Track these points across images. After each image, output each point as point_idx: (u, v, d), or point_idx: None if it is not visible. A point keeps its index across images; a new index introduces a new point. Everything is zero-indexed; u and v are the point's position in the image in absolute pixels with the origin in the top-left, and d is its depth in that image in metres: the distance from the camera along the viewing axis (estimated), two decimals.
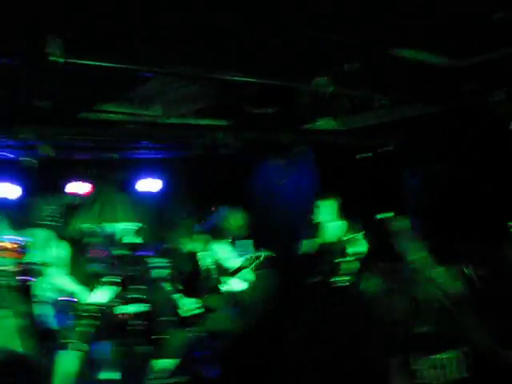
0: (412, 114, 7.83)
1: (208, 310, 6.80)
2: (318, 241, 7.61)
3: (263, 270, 10.33)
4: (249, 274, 6.79)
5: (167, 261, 7.18)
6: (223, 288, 6.67)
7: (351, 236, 7.52)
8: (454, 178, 9.20)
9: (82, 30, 3.83)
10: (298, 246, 7.63)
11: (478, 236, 7.62)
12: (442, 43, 4.98)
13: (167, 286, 6.85)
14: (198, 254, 6.91)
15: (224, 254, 7.23)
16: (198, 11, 3.71)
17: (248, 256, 8.35)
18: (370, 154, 9.26)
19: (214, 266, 6.92)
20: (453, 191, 9.30)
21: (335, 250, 7.74)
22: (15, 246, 8.87)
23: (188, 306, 6.60)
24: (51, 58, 3.76)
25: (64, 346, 7.06)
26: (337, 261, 7.43)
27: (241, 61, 4.97)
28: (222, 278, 6.91)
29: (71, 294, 6.95)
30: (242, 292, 6.80)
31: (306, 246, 7.56)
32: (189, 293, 6.75)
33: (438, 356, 3.81)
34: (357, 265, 7.23)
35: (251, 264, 6.94)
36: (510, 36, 4.81)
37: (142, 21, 3.81)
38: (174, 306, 6.73)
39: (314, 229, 7.59)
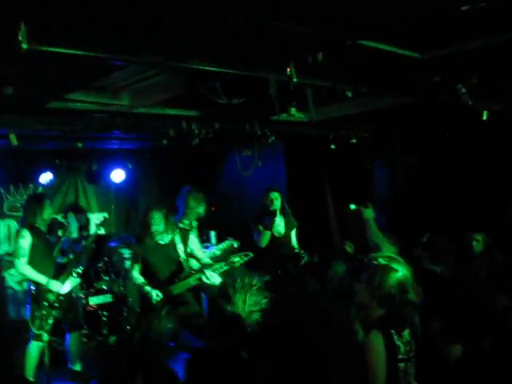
0: (382, 106, 7.86)
1: (177, 300, 6.75)
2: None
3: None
4: (222, 268, 6.74)
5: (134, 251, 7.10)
6: (205, 280, 6.61)
7: None
8: (425, 169, 9.30)
9: (49, 16, 3.77)
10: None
11: (444, 229, 7.72)
12: (411, 35, 5.01)
13: (138, 277, 6.77)
14: (170, 244, 6.83)
15: (195, 245, 7.18)
16: (170, 4, 3.69)
17: (218, 249, 8.32)
18: (334, 146, 9.30)
19: (185, 257, 6.85)
20: (423, 183, 9.41)
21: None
22: None
23: (157, 296, 6.54)
24: (22, 45, 3.69)
25: (29, 337, 7.01)
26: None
27: (209, 50, 4.94)
28: (197, 270, 6.83)
29: (37, 285, 6.87)
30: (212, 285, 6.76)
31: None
32: (158, 283, 6.69)
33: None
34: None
35: (241, 259, 6.88)
36: (478, 28, 4.85)
37: (111, 8, 3.76)
38: (144, 296, 6.67)
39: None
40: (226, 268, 6.76)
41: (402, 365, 3.92)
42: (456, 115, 7.64)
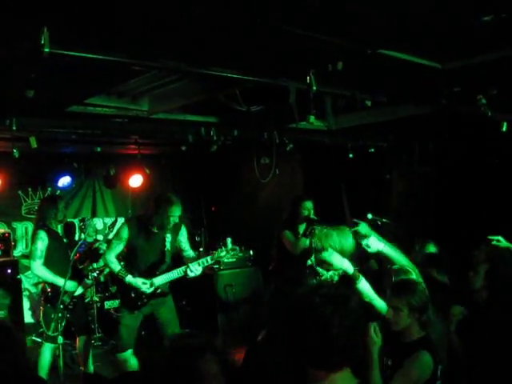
0: (400, 116, 7.84)
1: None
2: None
3: (246, 269, 10.38)
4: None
5: None
6: (189, 274, 6.44)
7: None
8: (442, 180, 9.25)
9: (71, 21, 3.81)
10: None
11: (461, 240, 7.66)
12: (431, 45, 5.00)
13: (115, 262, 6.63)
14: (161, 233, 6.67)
15: (183, 237, 6.96)
16: (190, 7, 3.70)
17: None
18: (352, 155, 9.29)
19: (169, 249, 6.65)
20: (440, 194, 9.34)
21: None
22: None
23: (144, 284, 6.41)
24: (43, 50, 3.73)
25: (43, 339, 7.04)
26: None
27: (229, 58, 4.96)
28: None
29: (53, 287, 6.90)
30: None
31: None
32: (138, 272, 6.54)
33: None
34: None
35: (228, 254, 6.78)
36: (498, 39, 4.83)
37: (132, 14, 3.78)
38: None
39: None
40: (211, 262, 6.65)
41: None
42: (475, 126, 7.61)
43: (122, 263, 6.76)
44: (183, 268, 6.43)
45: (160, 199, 6.49)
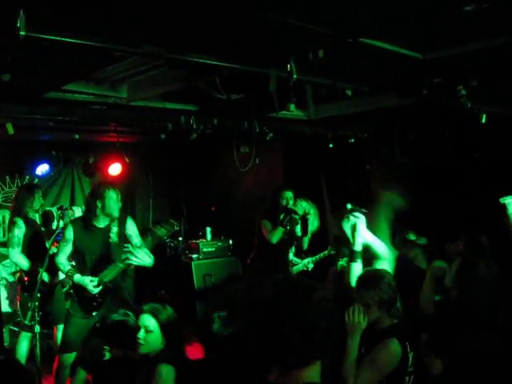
0: (380, 106, 7.84)
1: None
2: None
3: (225, 258, 10.37)
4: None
5: None
6: (134, 261, 6.22)
7: None
8: (422, 171, 9.26)
9: (48, 4, 3.74)
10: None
11: (438, 232, 7.70)
12: (413, 35, 4.98)
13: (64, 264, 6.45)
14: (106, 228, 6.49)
15: (133, 229, 6.77)
16: None
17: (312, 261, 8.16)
18: (332, 145, 9.29)
19: (117, 241, 6.47)
20: (420, 184, 9.36)
21: None
22: None
23: (92, 282, 6.25)
24: (19, 33, 3.66)
25: (20, 328, 6.99)
26: None
27: (208, 45, 4.91)
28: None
29: (30, 276, 6.84)
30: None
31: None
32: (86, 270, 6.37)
33: None
34: None
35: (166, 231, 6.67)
36: (480, 29, 4.82)
37: None
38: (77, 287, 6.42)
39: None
40: (153, 244, 6.53)
41: (407, 378, 3.93)
42: (455, 118, 7.62)
43: (71, 263, 6.55)
44: (125, 256, 6.10)
45: (93, 190, 6.44)
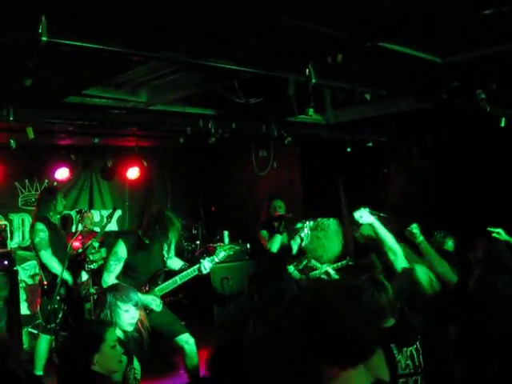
0: (399, 110, 7.83)
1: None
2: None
3: (243, 262, 10.37)
4: None
5: None
6: (203, 271, 6.42)
7: None
8: (440, 175, 9.24)
9: (69, 10, 3.78)
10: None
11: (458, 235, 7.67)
12: (432, 39, 4.98)
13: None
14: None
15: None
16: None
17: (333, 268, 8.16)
18: (350, 149, 9.29)
19: (167, 256, 6.60)
20: (438, 188, 9.33)
21: None
22: None
23: (154, 301, 6.27)
24: (41, 39, 3.70)
25: (40, 330, 7.04)
26: None
27: (228, 49, 4.93)
28: None
29: (50, 279, 6.90)
30: None
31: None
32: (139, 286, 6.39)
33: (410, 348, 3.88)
34: None
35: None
36: (499, 33, 4.81)
37: (132, 4, 3.76)
38: None
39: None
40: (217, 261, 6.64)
41: (402, 380, 3.77)
42: (474, 121, 7.59)
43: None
44: (196, 266, 6.33)
45: (161, 217, 6.31)
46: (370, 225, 5.23)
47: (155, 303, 6.12)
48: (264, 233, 7.82)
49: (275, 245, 7.57)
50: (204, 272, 6.39)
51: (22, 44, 3.96)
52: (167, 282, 6.34)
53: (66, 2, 3.64)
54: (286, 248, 7.75)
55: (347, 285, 2.46)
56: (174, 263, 6.62)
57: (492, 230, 6.11)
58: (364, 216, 5.13)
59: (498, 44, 5.12)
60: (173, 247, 6.54)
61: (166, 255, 6.48)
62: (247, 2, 3.83)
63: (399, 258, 5.07)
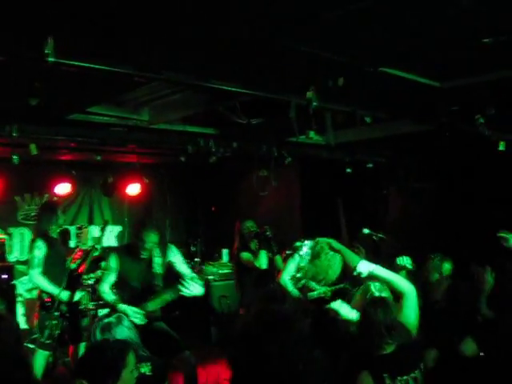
0: (399, 132, 7.90)
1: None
2: None
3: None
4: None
5: None
6: (185, 292, 6.23)
7: None
8: (439, 196, 9.28)
9: (75, 31, 3.85)
10: None
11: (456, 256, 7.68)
12: (431, 64, 5.05)
13: (108, 293, 6.45)
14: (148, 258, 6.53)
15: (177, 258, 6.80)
16: (194, 22, 3.75)
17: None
18: (350, 170, 9.36)
19: (161, 272, 6.53)
20: (437, 210, 9.37)
21: None
22: None
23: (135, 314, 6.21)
24: (48, 59, 3.76)
25: (37, 345, 7.02)
26: None
27: (230, 72, 4.99)
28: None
29: (49, 294, 6.89)
30: None
31: None
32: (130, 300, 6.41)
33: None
34: None
35: None
36: (498, 60, 4.88)
37: (135, 25, 3.83)
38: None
39: None
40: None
41: None
42: (473, 144, 7.65)
43: (114, 291, 6.37)
44: (176, 287, 6.04)
45: (138, 225, 6.42)
46: (371, 274, 4.84)
47: (137, 316, 6.01)
48: (246, 255, 7.94)
49: (263, 261, 7.68)
50: (187, 293, 6.14)
51: (28, 64, 4.02)
52: (158, 298, 6.22)
53: (72, 23, 3.70)
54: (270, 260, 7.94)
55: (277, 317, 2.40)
56: (194, 288, 6.08)
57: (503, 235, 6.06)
58: (362, 269, 4.76)
59: (496, 70, 5.19)
60: (174, 259, 6.52)
61: (157, 268, 6.38)
62: (249, 26, 3.90)
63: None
